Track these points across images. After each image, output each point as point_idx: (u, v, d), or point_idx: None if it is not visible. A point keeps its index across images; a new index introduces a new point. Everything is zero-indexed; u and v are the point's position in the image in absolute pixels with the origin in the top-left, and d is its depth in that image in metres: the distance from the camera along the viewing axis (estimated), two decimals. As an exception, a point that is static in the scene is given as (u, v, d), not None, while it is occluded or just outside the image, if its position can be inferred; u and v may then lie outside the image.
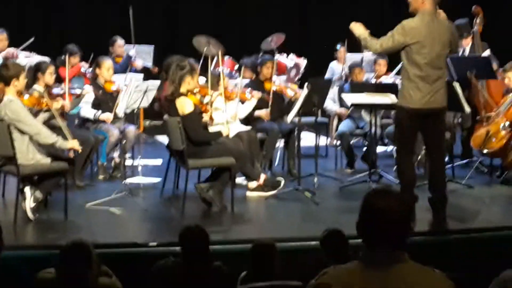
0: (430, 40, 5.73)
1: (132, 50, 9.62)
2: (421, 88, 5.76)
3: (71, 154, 6.21)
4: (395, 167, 7.90)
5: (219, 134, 6.66)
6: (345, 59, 9.81)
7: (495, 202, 6.91)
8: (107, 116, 7.60)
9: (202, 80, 7.43)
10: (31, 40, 8.94)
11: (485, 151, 7.43)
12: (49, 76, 7.19)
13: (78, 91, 7.43)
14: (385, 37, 5.86)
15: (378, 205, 2.59)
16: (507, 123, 7.37)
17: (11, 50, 8.66)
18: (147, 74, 9.54)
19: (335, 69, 10.22)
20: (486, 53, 8.18)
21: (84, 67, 8.86)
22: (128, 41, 9.90)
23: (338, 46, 10.12)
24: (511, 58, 7.81)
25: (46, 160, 6.07)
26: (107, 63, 7.88)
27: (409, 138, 6.05)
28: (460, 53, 8.12)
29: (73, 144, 6.09)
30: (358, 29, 6.04)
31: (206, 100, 7.00)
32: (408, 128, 5.95)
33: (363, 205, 2.65)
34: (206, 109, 6.80)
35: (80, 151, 6.25)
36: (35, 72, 7.14)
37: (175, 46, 11.76)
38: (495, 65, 7.99)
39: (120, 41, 9.83)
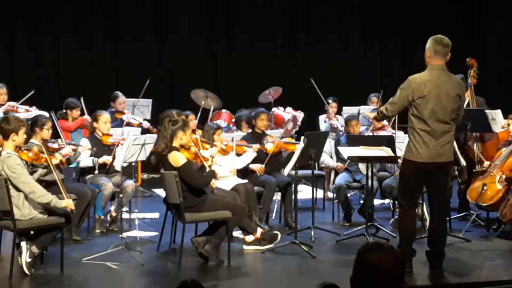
0: (436, 94, 5.70)
1: (125, 116, 9.61)
2: (428, 143, 5.74)
3: (68, 208, 6.20)
4: (391, 220, 7.95)
5: (212, 173, 6.67)
6: (336, 113, 9.97)
7: (493, 255, 6.88)
8: (106, 158, 7.64)
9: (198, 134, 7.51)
10: (32, 92, 9.02)
11: (481, 204, 7.42)
12: (46, 131, 7.26)
13: (74, 147, 7.48)
14: (394, 96, 5.90)
15: (370, 260, 2.61)
16: (503, 176, 7.38)
17: (12, 104, 8.73)
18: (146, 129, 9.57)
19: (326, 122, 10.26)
20: (484, 108, 8.20)
21: (89, 119, 8.86)
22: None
23: (330, 100, 10.21)
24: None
25: (43, 215, 6.07)
26: (104, 117, 7.96)
27: (414, 192, 6.03)
28: None
29: (68, 203, 6.07)
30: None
31: (205, 153, 7.04)
32: (414, 181, 5.93)
33: (356, 260, 2.67)
34: (202, 161, 6.83)
35: (74, 210, 6.23)
36: (33, 126, 7.19)
37: (174, 99, 11.89)
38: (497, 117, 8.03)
39: (121, 98, 9.80)
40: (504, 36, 12.64)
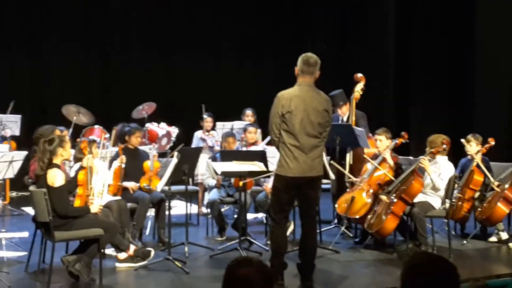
0: (303, 109, 5.83)
1: None
2: (298, 157, 5.85)
3: None
4: (265, 234, 8.07)
5: (87, 210, 6.53)
6: (211, 129, 9.99)
7: (361, 266, 7.11)
8: None
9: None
10: None
11: (349, 216, 7.66)
12: None
13: None
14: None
15: (239, 275, 2.64)
16: (371, 190, 7.64)
17: None
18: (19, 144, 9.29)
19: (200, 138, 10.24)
20: (362, 122, 8.44)
21: None
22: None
23: (205, 116, 10.21)
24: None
25: None
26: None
27: (285, 206, 6.12)
28: (339, 122, 8.39)
29: None
30: None
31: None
32: (285, 196, 6.02)
33: (225, 275, 2.70)
34: (87, 190, 6.69)
35: None
36: None
37: (45, 115, 11.59)
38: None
39: None
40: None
